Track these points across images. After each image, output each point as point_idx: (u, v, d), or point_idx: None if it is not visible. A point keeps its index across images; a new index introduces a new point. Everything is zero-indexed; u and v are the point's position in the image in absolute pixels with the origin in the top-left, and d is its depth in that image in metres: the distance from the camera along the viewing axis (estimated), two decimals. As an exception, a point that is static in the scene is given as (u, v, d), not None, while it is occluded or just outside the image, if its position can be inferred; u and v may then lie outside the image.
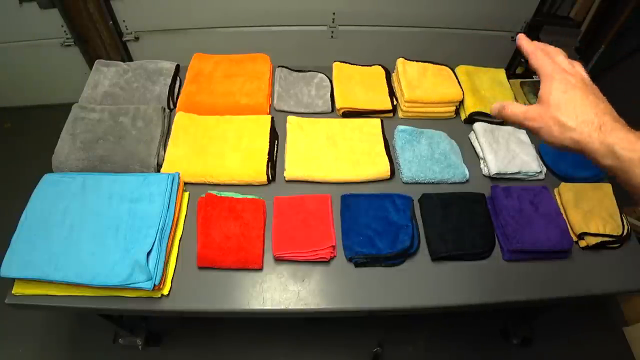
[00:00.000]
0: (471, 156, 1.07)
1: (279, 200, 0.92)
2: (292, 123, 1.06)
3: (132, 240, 0.79)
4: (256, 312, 0.80)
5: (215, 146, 0.99)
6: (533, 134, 0.49)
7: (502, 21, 1.81)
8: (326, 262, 0.86)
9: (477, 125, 1.08)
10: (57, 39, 1.74)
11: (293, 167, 0.97)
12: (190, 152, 0.98)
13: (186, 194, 0.93)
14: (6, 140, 1.91)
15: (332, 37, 1.83)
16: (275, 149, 1.03)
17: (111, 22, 1.68)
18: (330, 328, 1.39)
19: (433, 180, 0.99)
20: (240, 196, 0.91)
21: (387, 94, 1.15)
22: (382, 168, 0.99)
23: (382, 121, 1.09)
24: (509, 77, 1.21)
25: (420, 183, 1.00)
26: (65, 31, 1.71)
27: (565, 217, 0.94)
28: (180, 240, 0.87)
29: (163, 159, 0.97)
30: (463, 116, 1.14)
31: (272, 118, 1.06)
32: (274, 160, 1.00)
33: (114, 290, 0.77)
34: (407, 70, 1.14)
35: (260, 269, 0.84)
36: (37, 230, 0.80)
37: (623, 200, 0.98)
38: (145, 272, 0.75)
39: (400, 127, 1.07)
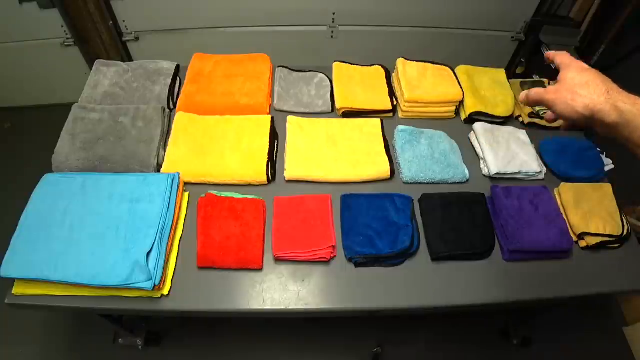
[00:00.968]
0: (471, 156, 1.07)
1: (279, 200, 0.92)
2: (292, 123, 1.06)
3: (132, 240, 0.79)
4: (256, 312, 0.80)
5: (215, 146, 0.99)
6: (549, 107, 0.58)
7: (502, 21, 1.81)
8: (326, 262, 0.86)
9: (477, 125, 1.08)
10: (57, 39, 1.74)
11: (293, 167, 0.97)
12: (190, 152, 0.98)
13: (186, 194, 0.93)
14: (6, 140, 1.91)
15: (332, 37, 1.83)
16: (275, 149, 1.03)
17: (111, 22, 1.68)
18: (330, 328, 1.39)
19: (433, 180, 1.00)
20: (240, 196, 0.91)
21: (387, 94, 1.15)
22: (382, 168, 0.99)
23: (382, 121, 1.09)
24: (509, 77, 1.21)
25: (420, 183, 1.00)
26: (65, 31, 1.71)
27: (565, 217, 0.94)
28: (180, 240, 0.87)
29: (163, 159, 0.97)
30: (463, 116, 1.14)
31: (272, 118, 1.06)
32: (274, 160, 1.00)
33: (114, 290, 0.77)
34: (407, 70, 1.14)
35: (260, 269, 0.84)
36: (37, 230, 0.80)
37: (623, 200, 0.98)
38: (145, 272, 0.75)
39: (400, 127, 1.07)
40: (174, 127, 1.03)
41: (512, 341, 1.37)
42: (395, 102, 1.14)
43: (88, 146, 0.95)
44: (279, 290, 0.82)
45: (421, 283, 0.85)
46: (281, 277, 0.84)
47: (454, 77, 1.16)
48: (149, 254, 0.78)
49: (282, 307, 0.80)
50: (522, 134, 1.09)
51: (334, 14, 1.74)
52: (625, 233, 0.91)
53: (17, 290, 0.77)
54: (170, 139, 1.01)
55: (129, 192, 0.86)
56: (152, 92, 1.09)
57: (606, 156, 1.09)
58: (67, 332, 1.36)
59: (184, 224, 0.89)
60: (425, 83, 1.13)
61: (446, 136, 1.08)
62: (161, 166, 0.96)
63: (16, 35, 1.71)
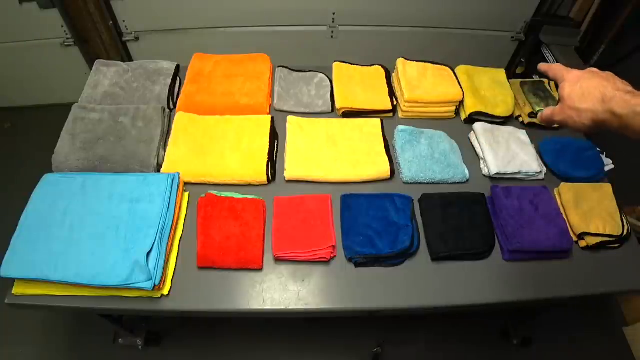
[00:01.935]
0: (471, 156, 1.07)
1: (279, 200, 0.92)
2: (292, 123, 1.06)
3: (132, 240, 0.79)
4: (256, 312, 0.80)
5: (215, 146, 0.99)
6: (564, 126, 0.61)
7: (502, 21, 1.81)
8: (326, 262, 0.86)
9: (477, 125, 1.08)
10: (57, 39, 1.74)
11: (293, 167, 0.97)
12: (190, 152, 0.98)
13: (186, 194, 0.93)
14: (6, 140, 1.91)
15: (332, 37, 1.83)
16: (275, 149, 1.03)
17: (111, 22, 1.68)
18: (330, 328, 1.39)
19: (433, 180, 1.00)
20: (240, 196, 0.91)
21: (387, 94, 1.15)
22: (382, 168, 0.99)
23: (382, 121, 1.09)
24: (509, 77, 1.21)
25: (420, 183, 1.00)
26: (65, 31, 1.71)
27: (565, 217, 0.94)
28: (180, 240, 0.87)
29: (163, 159, 0.97)
30: (463, 116, 1.14)
31: (272, 118, 1.06)
32: (274, 160, 1.00)
33: (114, 290, 0.77)
34: (407, 70, 1.14)
35: (260, 269, 0.84)
36: (37, 230, 0.80)
37: (623, 200, 0.98)
38: (145, 272, 0.75)
39: (400, 127, 1.07)
40: (174, 127, 1.03)
41: (512, 341, 1.37)
42: (395, 102, 1.14)
43: (88, 146, 0.95)
44: (279, 290, 0.82)
45: (421, 283, 0.85)
46: (281, 277, 0.84)
47: (454, 77, 1.16)
48: (149, 254, 0.78)
49: (282, 307, 0.80)
50: (522, 134, 1.09)
51: (334, 14, 1.74)
52: (625, 233, 0.91)
53: (17, 290, 0.77)
54: (170, 139, 1.01)
55: (129, 192, 0.86)
56: (152, 92, 1.09)
57: (606, 156, 1.09)
58: (67, 332, 1.36)
59: (184, 224, 0.89)
60: (425, 83, 1.13)
61: (446, 136, 1.08)
62: (161, 166, 0.96)
63: (16, 35, 1.71)
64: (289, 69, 1.21)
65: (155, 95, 1.09)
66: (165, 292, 0.79)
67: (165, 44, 1.80)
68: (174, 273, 0.82)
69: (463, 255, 0.88)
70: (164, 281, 0.79)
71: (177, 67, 1.17)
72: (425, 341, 1.39)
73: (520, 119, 1.16)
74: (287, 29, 1.78)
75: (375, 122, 1.09)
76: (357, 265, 0.86)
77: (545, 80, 1.21)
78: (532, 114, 1.13)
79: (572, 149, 1.07)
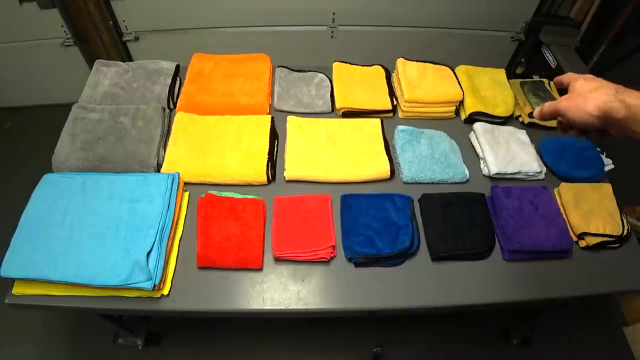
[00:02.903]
0: (471, 156, 1.07)
1: (279, 200, 0.92)
2: (292, 123, 1.06)
3: (132, 240, 0.79)
4: (256, 312, 0.80)
5: (215, 146, 0.99)
6: (562, 115, 0.60)
7: (502, 21, 1.81)
8: (326, 262, 0.86)
9: (477, 125, 1.08)
10: (57, 39, 1.74)
11: (293, 167, 0.97)
12: (190, 152, 0.98)
13: (186, 194, 0.93)
14: (6, 140, 1.91)
15: (332, 37, 1.83)
16: (275, 149, 1.03)
17: (111, 22, 1.68)
18: (330, 328, 1.39)
19: (433, 180, 1.00)
20: (240, 196, 0.91)
21: (387, 94, 1.15)
22: (382, 168, 0.99)
23: (382, 121, 1.09)
24: (509, 77, 1.21)
25: (420, 183, 1.00)
26: (65, 31, 1.71)
27: (565, 217, 0.94)
28: (180, 240, 0.87)
29: (163, 159, 0.97)
30: (463, 116, 1.14)
31: (272, 118, 1.06)
32: (274, 160, 1.00)
33: (114, 290, 0.77)
34: (407, 70, 1.14)
35: (260, 269, 0.84)
36: (37, 230, 0.80)
37: (623, 200, 0.98)
38: (145, 272, 0.75)
39: (400, 127, 1.07)
40: (174, 127, 1.03)
41: (512, 341, 1.37)
42: (395, 102, 1.14)
43: (88, 146, 0.95)
44: (279, 290, 0.82)
45: (421, 283, 0.85)
46: (281, 277, 0.84)
47: (454, 77, 1.16)
48: (149, 254, 0.78)
49: (282, 307, 0.80)
50: (522, 134, 1.09)
51: (334, 14, 1.74)
52: (625, 233, 0.91)
53: (17, 290, 0.77)
54: (170, 139, 1.01)
55: (129, 192, 0.86)
56: (152, 92, 1.09)
57: (606, 156, 1.09)
58: (67, 332, 1.36)
59: (184, 224, 0.89)
60: (425, 83, 1.13)
61: (446, 136, 1.08)
62: (161, 166, 0.96)
63: (16, 35, 1.71)
64: (289, 69, 1.21)
65: (155, 95, 1.09)
66: (165, 292, 0.79)
67: (165, 44, 1.80)
68: (174, 273, 0.82)
69: (463, 255, 0.88)
70: (164, 281, 0.79)
71: (177, 67, 1.17)
72: (425, 341, 1.39)
73: (520, 119, 1.16)
74: (287, 29, 1.78)
75: (375, 122, 1.09)
76: (357, 265, 0.86)
77: (545, 80, 1.21)
78: (532, 114, 1.13)
79: (572, 149, 1.07)
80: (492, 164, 1.00)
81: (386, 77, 1.20)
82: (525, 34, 1.85)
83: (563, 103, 0.59)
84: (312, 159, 0.99)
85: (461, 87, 1.13)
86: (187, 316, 0.86)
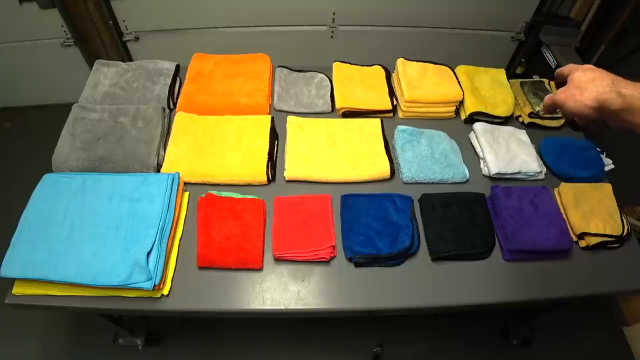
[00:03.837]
0: (471, 156, 1.07)
1: (279, 200, 0.92)
2: (292, 123, 1.06)
3: (132, 240, 0.79)
4: (256, 312, 0.80)
5: (215, 146, 0.99)
6: (560, 107, 0.61)
7: (502, 21, 1.81)
8: (326, 262, 0.86)
9: (477, 125, 1.08)
10: (57, 39, 1.74)
11: (293, 167, 0.97)
12: (190, 152, 0.98)
13: (186, 194, 0.93)
14: (6, 140, 1.91)
15: (332, 37, 1.83)
16: (275, 149, 1.03)
17: (111, 22, 1.68)
18: (330, 328, 1.39)
19: (433, 180, 0.99)
20: (240, 196, 0.91)
21: (387, 94, 1.15)
22: (382, 168, 0.99)
23: (382, 121, 1.09)
24: (509, 77, 1.21)
25: (420, 183, 1.00)
26: (65, 31, 1.71)
27: (565, 217, 0.94)
28: (180, 240, 0.87)
29: (163, 159, 0.97)
30: (463, 116, 1.14)
31: (272, 118, 1.06)
32: (274, 160, 1.00)
33: (114, 290, 0.77)
34: (407, 70, 1.14)
35: (260, 269, 0.84)
36: (37, 230, 0.80)
37: (623, 200, 0.98)
38: (146, 272, 0.75)
39: (400, 127, 1.07)
40: (174, 127, 1.03)
41: (512, 341, 1.37)
42: (395, 102, 1.14)
43: (88, 146, 0.95)
44: (279, 290, 0.82)
45: (421, 283, 0.85)
46: (281, 277, 0.84)
47: (454, 77, 1.16)
48: (149, 254, 0.78)
49: (282, 307, 0.80)
50: (522, 134, 1.09)
51: (334, 14, 1.74)
52: (625, 233, 0.91)
53: (17, 290, 0.77)
54: (170, 139, 1.01)
55: (129, 192, 0.86)
56: (152, 92, 1.09)
57: (606, 156, 1.09)
58: (67, 332, 1.36)
59: (184, 224, 0.89)
60: (425, 83, 1.13)
61: (446, 136, 1.08)
62: (161, 166, 0.96)
63: (16, 35, 1.71)
64: (289, 69, 1.21)
65: (155, 95, 1.09)
66: (165, 292, 0.79)
67: (165, 44, 1.80)
68: (174, 273, 0.82)
69: (463, 255, 0.88)
70: (164, 281, 0.79)
71: (177, 67, 1.17)
72: (425, 341, 1.39)
73: (520, 119, 1.16)
74: (287, 29, 1.78)
75: (375, 122, 1.09)
76: (357, 265, 0.86)
77: (545, 80, 1.21)
78: (532, 114, 1.13)
79: (572, 149, 1.07)
80: (492, 164, 1.00)
81: (386, 77, 1.20)
82: (525, 34, 1.85)
83: (560, 95, 0.60)
84: (312, 159, 0.99)
85: (461, 87, 1.13)
86: (187, 316, 0.86)
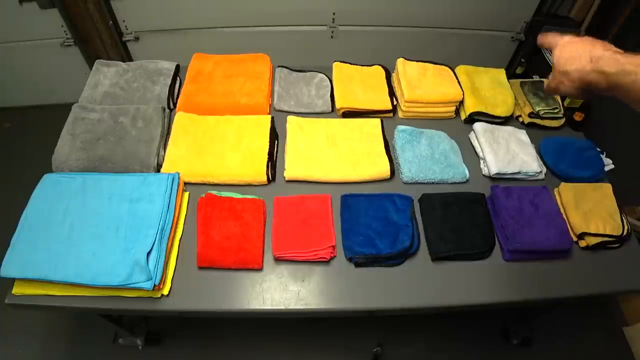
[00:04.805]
0: (471, 156, 1.07)
1: (279, 200, 0.92)
2: (292, 123, 1.06)
3: (132, 240, 0.79)
4: (256, 312, 0.80)
5: (215, 146, 0.99)
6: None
7: (502, 21, 1.81)
8: (326, 262, 0.86)
9: (477, 125, 1.08)
10: (57, 39, 1.74)
11: (293, 167, 0.97)
12: (190, 152, 0.98)
13: (186, 194, 0.93)
14: (6, 140, 1.91)
15: (332, 37, 1.83)
16: (275, 149, 1.03)
17: (111, 22, 1.68)
18: (330, 328, 1.39)
19: (433, 180, 0.99)
20: (240, 196, 0.91)
21: (387, 94, 1.15)
22: (382, 168, 0.99)
23: (382, 121, 1.09)
24: (509, 77, 1.21)
25: (420, 183, 1.00)
26: (65, 31, 1.71)
27: (565, 217, 0.94)
28: (180, 240, 0.87)
29: (163, 159, 0.97)
30: (463, 116, 1.14)
31: (272, 118, 1.06)
32: (274, 160, 1.00)
33: (114, 290, 0.77)
34: (407, 70, 1.14)
35: (260, 269, 0.84)
36: (37, 230, 0.80)
37: (623, 200, 0.98)
38: (145, 272, 0.75)
39: (400, 127, 1.07)
40: (174, 127, 1.03)
41: (512, 341, 1.37)
42: (395, 102, 1.14)
43: (88, 146, 0.95)
44: (279, 290, 0.82)
45: (421, 283, 0.85)
46: (281, 277, 0.84)
47: (454, 77, 1.16)
48: (149, 254, 0.78)
49: (282, 307, 0.80)
50: (522, 134, 1.09)
51: (334, 14, 1.74)
52: (625, 233, 0.91)
53: (17, 290, 0.77)
54: (170, 139, 1.01)
55: (129, 192, 0.86)
56: (152, 92, 1.09)
57: (606, 156, 1.09)
58: (67, 332, 1.36)
59: (184, 224, 0.89)
60: (425, 83, 1.13)
61: (446, 136, 1.08)
62: (161, 166, 0.96)
63: (16, 35, 1.71)
64: (289, 69, 1.21)
65: (155, 95, 1.09)
66: (165, 292, 0.79)
67: (165, 44, 1.80)
68: (174, 273, 0.82)
69: (463, 255, 0.88)
70: (164, 281, 0.79)
71: (177, 67, 1.17)
72: (425, 341, 1.39)
73: (520, 119, 1.16)
74: (287, 29, 1.78)
75: (375, 122, 1.09)
76: (357, 265, 0.86)
77: (545, 80, 1.20)
78: (532, 114, 1.13)
79: (572, 149, 1.07)
80: (492, 164, 1.00)
81: (386, 77, 1.20)
82: (525, 34, 1.85)
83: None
84: (312, 159, 0.99)
85: (461, 87, 1.13)
86: (187, 316, 0.86)
